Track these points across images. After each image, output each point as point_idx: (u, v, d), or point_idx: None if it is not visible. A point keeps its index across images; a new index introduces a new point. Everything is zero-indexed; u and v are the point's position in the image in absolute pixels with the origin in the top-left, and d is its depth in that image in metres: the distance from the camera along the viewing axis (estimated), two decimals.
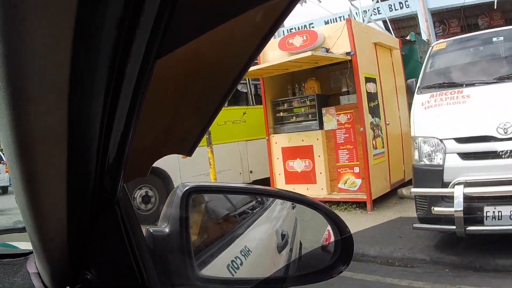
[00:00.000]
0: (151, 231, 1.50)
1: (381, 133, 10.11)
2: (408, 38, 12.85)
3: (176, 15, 0.73)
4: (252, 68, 9.77)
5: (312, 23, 20.77)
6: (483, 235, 5.93)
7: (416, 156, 6.41)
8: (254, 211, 2.81)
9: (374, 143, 9.71)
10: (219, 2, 0.82)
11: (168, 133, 1.15)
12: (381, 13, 19.69)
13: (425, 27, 19.09)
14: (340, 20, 18.62)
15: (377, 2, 17.94)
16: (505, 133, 5.60)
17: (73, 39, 0.62)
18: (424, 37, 18.27)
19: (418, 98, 6.83)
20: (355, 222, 8.57)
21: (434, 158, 6.15)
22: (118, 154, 0.91)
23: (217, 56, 0.97)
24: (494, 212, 5.56)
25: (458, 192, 5.66)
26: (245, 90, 13.06)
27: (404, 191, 10.22)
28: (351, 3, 18.25)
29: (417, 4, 19.94)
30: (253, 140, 12.40)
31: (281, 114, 10.87)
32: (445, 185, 5.92)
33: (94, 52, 0.69)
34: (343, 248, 1.96)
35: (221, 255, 2.03)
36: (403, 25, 24.59)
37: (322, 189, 10.08)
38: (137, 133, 0.90)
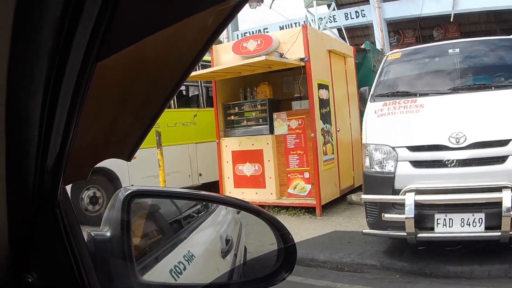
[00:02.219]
0: (93, 234, 1.49)
1: (332, 139, 10.14)
2: (362, 46, 12.95)
3: (118, 18, 0.73)
4: (205, 71, 9.72)
5: (266, 28, 20.81)
6: (433, 242, 5.99)
7: (367, 163, 6.39)
8: (199, 215, 2.85)
9: (324, 149, 9.71)
10: (160, 7, 0.83)
11: (107, 137, 1.16)
12: (336, 21, 19.77)
13: (380, 37, 19.29)
14: (296, 26, 18.67)
15: (334, 10, 18.02)
16: (457, 142, 5.67)
17: (11, 39, 0.63)
18: (378, 46, 18.48)
19: (371, 106, 6.83)
20: (304, 227, 8.58)
21: (385, 166, 6.15)
22: (58, 156, 0.91)
23: (159, 60, 0.99)
24: (445, 219, 5.61)
25: (409, 199, 5.67)
26: (196, 93, 12.96)
27: (353, 197, 10.28)
28: (307, 10, 18.27)
29: (373, 14, 20.16)
30: (203, 142, 12.31)
31: (232, 117, 10.79)
32: (396, 192, 5.93)
33: (32, 53, 0.69)
34: (286, 255, 2.06)
35: (164, 259, 2.03)
36: (357, 34, 24.89)
37: (271, 193, 10.01)
38: (77, 136, 0.91)
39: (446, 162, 5.71)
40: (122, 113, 1.11)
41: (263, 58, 8.73)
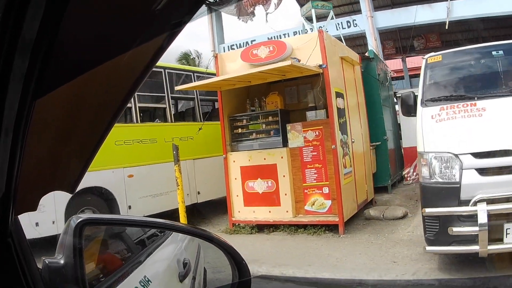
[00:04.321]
0: (47, 262, 1.53)
1: (349, 151, 9.50)
2: (366, 54, 12.52)
3: (54, 55, 0.79)
4: (213, 80, 9.10)
5: (254, 40, 20.22)
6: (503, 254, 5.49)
7: (426, 174, 5.81)
8: (156, 238, 2.86)
9: (343, 161, 9.06)
10: (97, 45, 0.87)
11: (52, 170, 1.20)
12: (328, 31, 19.39)
13: (374, 45, 19.01)
14: (285, 37, 18.25)
15: (332, 18, 17.64)
16: None
17: None
18: None
19: (425, 111, 6.32)
20: (332, 247, 7.92)
21: (448, 175, 5.60)
22: (5, 191, 0.98)
23: (97, 93, 1.03)
24: None
25: (482, 210, 5.19)
26: (192, 106, 12.33)
27: (371, 211, 9.78)
28: (304, 18, 17.80)
29: (366, 23, 19.89)
30: (201, 158, 11.74)
31: (240, 130, 10.06)
32: (463, 203, 5.43)
33: None
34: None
35: (120, 286, 2.03)
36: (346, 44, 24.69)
37: (287, 211, 9.29)
38: (23, 170, 0.99)
39: None
40: (63, 148, 1.14)
41: (288, 62, 7.95)
